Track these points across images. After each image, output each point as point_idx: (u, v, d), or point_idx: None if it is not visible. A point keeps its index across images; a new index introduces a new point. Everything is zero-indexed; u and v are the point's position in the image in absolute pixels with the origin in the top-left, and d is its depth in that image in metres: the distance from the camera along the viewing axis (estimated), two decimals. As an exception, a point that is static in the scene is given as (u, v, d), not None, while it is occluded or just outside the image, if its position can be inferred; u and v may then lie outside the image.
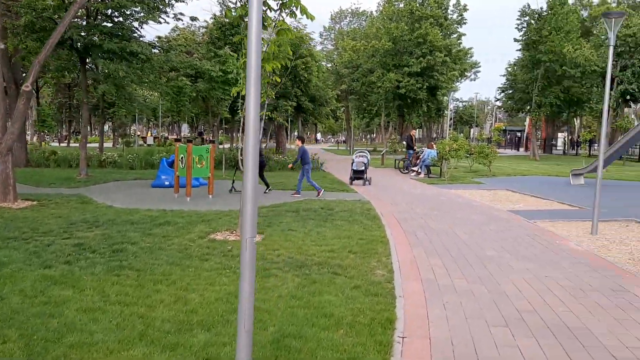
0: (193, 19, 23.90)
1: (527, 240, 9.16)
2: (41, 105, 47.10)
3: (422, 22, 38.60)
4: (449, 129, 51.25)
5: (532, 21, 40.56)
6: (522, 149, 60.81)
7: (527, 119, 54.52)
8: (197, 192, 14.63)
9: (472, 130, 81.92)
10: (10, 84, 21.02)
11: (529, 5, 41.51)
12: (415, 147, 26.17)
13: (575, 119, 60.55)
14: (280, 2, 7.78)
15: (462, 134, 58.08)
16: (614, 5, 50.78)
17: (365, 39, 43.83)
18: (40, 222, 9.59)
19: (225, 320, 4.87)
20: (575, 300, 5.83)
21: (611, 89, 39.16)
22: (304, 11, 7.72)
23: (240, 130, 9.32)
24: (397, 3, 42.93)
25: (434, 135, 70.55)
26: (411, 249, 8.26)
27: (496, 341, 4.61)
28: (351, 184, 18.43)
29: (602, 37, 41.09)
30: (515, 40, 42.45)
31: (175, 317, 4.93)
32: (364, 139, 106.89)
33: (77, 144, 31.03)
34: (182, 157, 13.48)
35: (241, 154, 9.44)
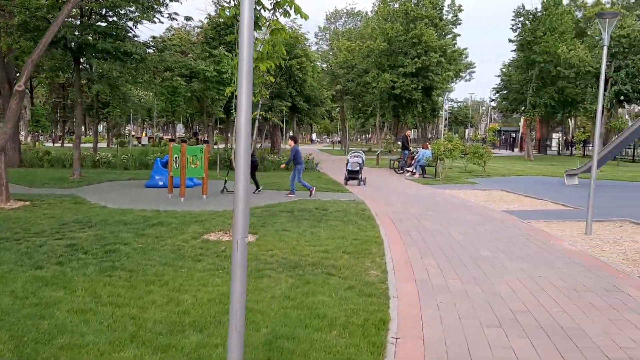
0: (187, 18, 23.89)
1: (521, 240, 9.16)
2: (35, 105, 46.91)
3: (417, 23, 38.58)
4: (444, 130, 51.31)
5: (527, 22, 40.68)
6: (516, 150, 60.96)
7: (522, 120, 54.65)
8: (191, 192, 14.58)
9: (467, 130, 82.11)
10: (4, 83, 20.90)
11: (523, 6, 41.74)
12: (410, 148, 26.18)
13: (569, 120, 60.77)
14: (274, 1, 7.75)
15: (457, 135, 58.20)
16: (608, 6, 50.95)
17: (361, 40, 43.81)
18: (33, 223, 9.53)
19: (218, 321, 4.84)
20: (569, 300, 5.82)
21: (605, 90, 39.29)
22: (297, 10, 7.70)
23: (235, 131, 9.27)
24: (392, 3, 42.89)
25: (429, 136, 70.65)
26: (405, 249, 8.25)
27: (490, 342, 4.60)
28: (346, 184, 18.41)
29: (596, 37, 41.20)
30: (510, 40, 42.60)
31: (167, 318, 4.89)
32: (359, 139, 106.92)
33: (71, 144, 30.94)
34: (176, 157, 13.43)
35: (234, 154, 9.41)
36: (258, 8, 8.11)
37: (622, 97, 41.17)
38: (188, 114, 46.72)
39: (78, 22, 19.11)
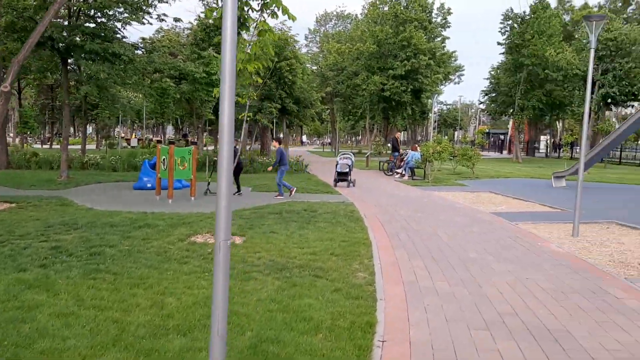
0: (176, 20, 23.92)
1: (509, 242, 9.17)
2: (23, 106, 46.51)
3: (406, 25, 38.70)
4: (434, 132, 51.47)
5: (515, 25, 40.88)
6: (505, 152, 61.23)
7: (510, 122, 54.95)
8: (179, 194, 14.50)
9: (456, 133, 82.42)
10: (-10, 84, 20.66)
11: (512, 9, 41.96)
12: (400, 150, 26.21)
13: (557, 122, 61.21)
14: (262, 2, 7.71)
15: (446, 137, 58.39)
16: (595, 9, 51.41)
17: (350, 42, 43.90)
18: (18, 225, 9.42)
19: (202, 324, 4.78)
20: (556, 302, 5.82)
21: (592, 93, 39.61)
22: (285, 11, 7.65)
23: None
24: (381, 6, 43.02)
25: (419, 138, 70.83)
26: (393, 251, 8.22)
27: (477, 344, 4.58)
28: (335, 185, 18.38)
29: (584, 41, 41.54)
30: (499, 43, 42.79)
31: (151, 322, 4.83)
32: (349, 141, 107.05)
33: (60, 146, 30.69)
34: (164, 159, 13.34)
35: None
36: (246, 9, 8.06)
37: (609, 100, 41.51)
38: (177, 115, 46.53)
39: (66, 23, 18.96)
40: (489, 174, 25.61)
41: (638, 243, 9.39)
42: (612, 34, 39.68)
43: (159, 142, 21.66)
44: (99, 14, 19.52)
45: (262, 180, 19.35)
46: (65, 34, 17.86)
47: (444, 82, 54.90)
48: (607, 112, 48.37)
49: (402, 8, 40.95)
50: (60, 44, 18.01)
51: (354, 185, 18.45)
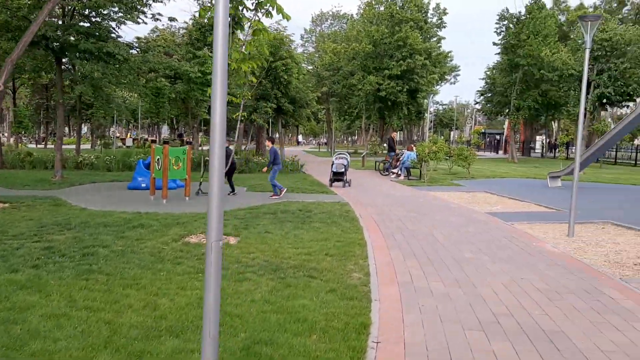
0: (171, 19, 23.74)
1: (504, 242, 9.16)
2: (18, 106, 46.34)
3: (402, 26, 38.71)
4: (429, 132, 51.50)
5: (511, 25, 40.93)
6: (501, 152, 61.31)
7: (506, 122, 55.00)
8: (173, 194, 14.44)
9: (452, 133, 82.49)
10: (-16, 84, 20.55)
11: (507, 9, 41.95)
12: (396, 149, 26.21)
13: (553, 122, 61.32)
14: (256, 1, 7.67)
15: (442, 137, 58.46)
16: (591, 10, 51.53)
17: (346, 42, 43.88)
18: (11, 225, 9.35)
19: (195, 326, 4.74)
20: (551, 303, 5.80)
21: (588, 93, 39.66)
22: (279, 10, 7.62)
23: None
24: (377, 6, 43.03)
25: (415, 138, 70.86)
26: (389, 251, 8.20)
27: (471, 345, 4.55)
28: (331, 185, 18.34)
29: (579, 41, 41.58)
30: (494, 44, 42.82)
31: (144, 323, 4.78)
32: (345, 141, 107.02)
33: (54, 146, 30.57)
34: (158, 159, 13.28)
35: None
36: (240, 8, 8.02)
37: (604, 100, 41.53)
38: (173, 115, 46.47)
39: (60, 22, 18.87)
40: (485, 174, 25.63)
41: (633, 243, 9.39)
42: (607, 34, 39.71)
43: (153, 141, 21.57)
44: (93, 13, 19.43)
45: (257, 180, 19.30)
46: (59, 33, 17.76)
47: (439, 82, 54.98)
48: (602, 113, 48.43)
49: (397, 8, 40.97)
50: (55, 44, 17.92)
51: (349, 185, 18.42)
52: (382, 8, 42.45)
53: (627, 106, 47.22)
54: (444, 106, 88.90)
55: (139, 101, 37.93)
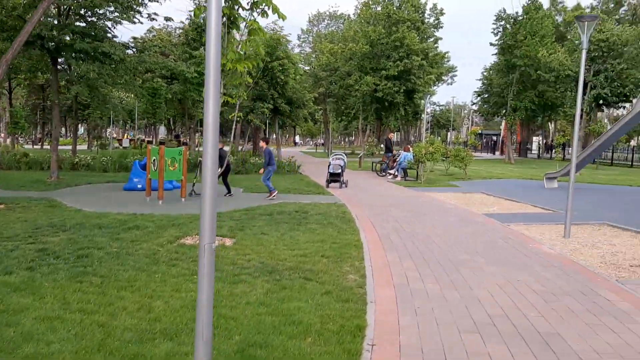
0: (167, 19, 23.76)
1: (500, 243, 9.15)
2: (14, 106, 46.22)
3: (399, 26, 38.65)
4: (427, 133, 51.53)
5: (508, 26, 40.95)
6: (497, 153, 61.40)
7: (503, 123, 55.09)
8: (169, 195, 14.40)
9: (449, 133, 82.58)
10: (-21, 84, 20.51)
11: (504, 9, 41.95)
12: (393, 150, 26.20)
13: (549, 123, 61.44)
14: (251, 1, 7.65)
15: (439, 138, 58.50)
16: (588, 10, 51.62)
17: (343, 42, 43.82)
18: (5, 227, 9.30)
19: (190, 328, 4.71)
20: (547, 304, 5.79)
21: (584, 94, 39.74)
22: (275, 10, 7.61)
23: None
24: (374, 6, 42.98)
25: (412, 139, 70.92)
26: (385, 253, 8.18)
27: (467, 348, 4.53)
28: (327, 186, 18.33)
29: (576, 42, 41.66)
30: (491, 44, 42.85)
31: (138, 326, 4.75)
32: (342, 142, 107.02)
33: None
34: (154, 160, 13.24)
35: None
36: (236, 8, 8.00)
37: (601, 101, 41.64)
38: (170, 116, 46.39)
39: (56, 22, 18.80)
40: (482, 175, 25.64)
41: (629, 244, 9.39)
42: (604, 35, 39.82)
43: (149, 142, 21.53)
44: (89, 13, 19.36)
45: (254, 181, 19.26)
46: (54, 33, 17.69)
47: (436, 82, 54.98)
48: (599, 113, 48.55)
49: (394, 8, 40.91)
50: (50, 43, 17.85)
51: (346, 186, 18.41)
52: (379, 8, 42.38)
53: (624, 107, 47.35)
54: (441, 107, 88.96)
55: (135, 102, 37.87)
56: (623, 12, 55.30)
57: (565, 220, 9.94)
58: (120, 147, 46.04)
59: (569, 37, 46.80)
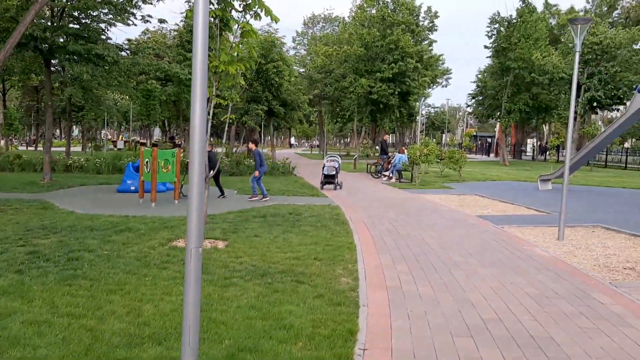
0: (161, 21, 23.64)
1: (494, 245, 9.12)
2: (8, 108, 46.01)
3: (393, 29, 38.71)
4: (421, 135, 51.56)
5: (502, 28, 41.04)
6: (492, 155, 61.51)
7: (497, 125, 55.20)
8: (162, 197, 14.32)
9: (443, 135, 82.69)
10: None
11: (499, 12, 41.92)
12: (388, 152, 26.20)
13: (544, 125, 61.58)
14: (244, 3, 7.60)
15: (434, 140, 58.56)
16: (581, 13, 51.79)
17: (338, 45, 43.82)
18: (-5, 229, 9.21)
19: (179, 333, 4.64)
20: (540, 308, 5.75)
21: (578, 96, 39.85)
22: (268, 12, 7.56)
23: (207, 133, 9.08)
24: (369, 9, 43.01)
25: (407, 141, 70.97)
26: (378, 255, 8.13)
27: (459, 353, 4.49)
28: (322, 188, 18.29)
29: (570, 44, 41.77)
30: (486, 47, 42.94)
31: (126, 330, 4.69)
32: (338, 144, 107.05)
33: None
34: (147, 162, 13.17)
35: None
36: (228, 10, 7.95)
37: (595, 104, 41.77)
38: (164, 117, 46.27)
39: (49, 24, 18.71)
40: (476, 177, 25.66)
41: (623, 247, 9.38)
42: (597, 37, 39.97)
43: (142, 144, 21.44)
44: (82, 15, 19.28)
45: (248, 183, 19.16)
46: (47, 34, 17.61)
47: (431, 85, 55.05)
48: (593, 116, 48.69)
49: (389, 11, 40.97)
50: (44, 45, 17.77)
51: (340, 188, 18.37)
52: (373, 11, 42.44)
53: (617, 109, 47.50)
54: (435, 109, 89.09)
55: (130, 103, 37.74)
56: (616, 15, 55.53)
57: (559, 222, 9.92)
58: (115, 149, 45.89)
59: (562, 40, 46.94)
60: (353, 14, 48.51)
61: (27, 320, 4.88)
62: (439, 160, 25.77)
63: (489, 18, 41.82)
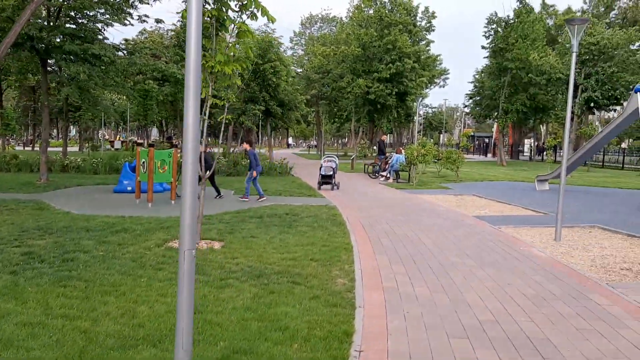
0: (158, 21, 23.58)
1: (491, 246, 9.10)
2: (5, 108, 45.89)
3: (391, 29, 38.67)
4: (419, 135, 51.55)
5: (499, 29, 41.05)
6: (489, 155, 61.54)
7: (495, 125, 55.24)
8: (159, 197, 14.28)
9: (441, 136, 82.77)
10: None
11: (496, 13, 41.96)
12: (386, 152, 26.19)
13: (541, 126, 61.61)
14: (240, 3, 7.57)
15: (431, 140, 58.54)
16: (578, 14, 51.82)
17: (335, 45, 43.78)
18: (-10, 230, 9.17)
19: (174, 334, 4.59)
20: (537, 309, 5.74)
21: (575, 97, 39.87)
22: (264, 13, 7.54)
23: (201, 135, 9.05)
24: (366, 9, 42.98)
25: (405, 141, 71.01)
26: (375, 256, 8.11)
27: (455, 354, 4.47)
28: (319, 188, 18.26)
29: (567, 45, 41.75)
30: (483, 47, 42.94)
31: (121, 332, 4.66)
32: (335, 144, 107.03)
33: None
34: (143, 162, 13.13)
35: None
36: (224, 10, 7.91)
37: (592, 104, 41.79)
38: (162, 117, 46.21)
39: (45, 23, 18.66)
40: (473, 177, 25.65)
41: (620, 247, 9.37)
42: (594, 38, 39.99)
43: (139, 144, 21.39)
44: (79, 15, 19.23)
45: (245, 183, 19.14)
46: (44, 34, 17.55)
47: (429, 85, 55.02)
48: (590, 116, 48.73)
49: (386, 11, 40.94)
50: (40, 45, 17.71)
51: (338, 188, 18.35)
52: (371, 11, 42.41)
53: (615, 110, 47.58)
54: (433, 109, 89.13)
55: (127, 103, 37.69)
56: (613, 16, 55.58)
57: (556, 222, 9.91)
58: (112, 149, 45.80)
59: (560, 40, 46.96)
60: (350, 14, 48.52)
61: (20, 322, 4.84)
62: (436, 161, 25.77)
63: (486, 18, 41.82)
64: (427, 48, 46.28)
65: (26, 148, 50.76)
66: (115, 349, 4.30)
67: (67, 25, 18.94)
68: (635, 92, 16.03)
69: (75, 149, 47.18)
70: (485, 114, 46.90)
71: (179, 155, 14.28)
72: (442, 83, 68.26)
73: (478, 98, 46.72)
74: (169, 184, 14.31)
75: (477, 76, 47.56)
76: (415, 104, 43.89)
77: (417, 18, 45.36)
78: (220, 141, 12.52)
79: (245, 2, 7.49)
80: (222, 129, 9.37)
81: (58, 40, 17.92)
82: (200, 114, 8.49)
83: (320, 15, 67.23)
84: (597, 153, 35.50)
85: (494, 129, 59.67)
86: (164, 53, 31.51)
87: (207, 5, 7.86)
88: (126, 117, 43.78)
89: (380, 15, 39.86)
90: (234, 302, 5.59)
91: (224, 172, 22.69)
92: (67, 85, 21.90)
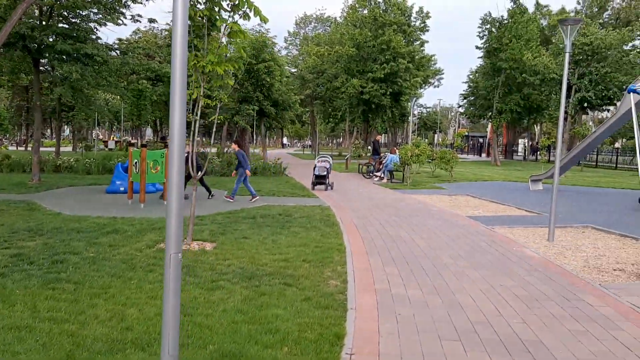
0: (151, 20, 23.50)
1: (484, 247, 9.08)
2: (-3, 107, 45.65)
3: (385, 29, 38.73)
4: (413, 135, 51.59)
5: (493, 29, 41.12)
6: (484, 155, 61.64)
7: (489, 125, 55.31)
8: (151, 198, 14.20)
9: (435, 135, 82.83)
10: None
11: (490, 13, 42.02)
12: (380, 152, 26.17)
13: (535, 126, 61.75)
14: (232, 3, 7.52)
15: (426, 140, 58.62)
16: (572, 14, 51.97)
17: (330, 45, 43.79)
18: (-20, 231, 9.08)
19: (163, 338, 4.56)
20: (530, 310, 5.71)
21: (569, 97, 39.99)
22: (257, 13, 7.49)
23: (192, 134, 9.00)
24: (361, 9, 43.02)
25: (399, 141, 71.03)
26: (368, 257, 8.07)
27: (447, 357, 4.43)
28: (313, 189, 18.21)
29: (561, 45, 41.88)
30: (477, 47, 43.00)
31: (109, 335, 4.60)
32: (330, 144, 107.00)
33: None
34: (135, 163, 13.05)
35: (190, 160, 9.10)
36: (216, 9, 7.86)
37: (585, 104, 41.91)
38: (155, 117, 46.05)
39: (37, 23, 18.53)
40: (467, 177, 25.66)
41: (613, 247, 9.37)
42: (588, 38, 40.12)
43: (131, 145, 21.28)
44: (72, 14, 19.11)
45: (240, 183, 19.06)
46: (36, 33, 17.43)
47: (423, 85, 55.12)
48: (583, 116, 48.90)
49: (381, 12, 40.99)
50: (32, 44, 17.59)
51: (332, 189, 18.31)
52: (365, 11, 42.47)
53: (608, 110, 47.73)
54: (428, 109, 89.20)
55: (121, 103, 37.52)
56: (607, 16, 55.77)
57: (549, 223, 9.90)
58: (106, 149, 45.61)
59: (553, 40, 47.08)
60: (345, 14, 48.51)
61: (7, 325, 4.78)
62: (430, 161, 25.77)
63: (480, 19, 41.91)
64: (422, 48, 46.34)
65: (19, 148, 50.48)
66: (102, 352, 4.24)
67: (60, 24, 18.82)
68: (629, 92, 16.07)
69: (69, 148, 46.93)
70: (479, 114, 46.97)
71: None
72: (436, 83, 68.26)
73: (472, 98, 46.78)
74: (161, 184, 14.23)
75: (471, 76, 47.63)
76: (409, 103, 43.93)
77: (412, 18, 45.40)
78: (213, 141, 12.44)
79: (237, 2, 7.43)
80: (215, 129, 9.30)
81: (50, 39, 17.80)
82: (192, 114, 8.44)
83: (314, 16, 67.18)
84: (590, 153, 35.64)
85: (488, 129, 59.75)
86: (157, 53, 31.39)
87: (198, 5, 7.81)
88: (120, 117, 43.58)
89: (375, 16, 39.90)
90: (224, 304, 5.53)
91: (217, 172, 22.61)
92: (59, 85, 21.79)
